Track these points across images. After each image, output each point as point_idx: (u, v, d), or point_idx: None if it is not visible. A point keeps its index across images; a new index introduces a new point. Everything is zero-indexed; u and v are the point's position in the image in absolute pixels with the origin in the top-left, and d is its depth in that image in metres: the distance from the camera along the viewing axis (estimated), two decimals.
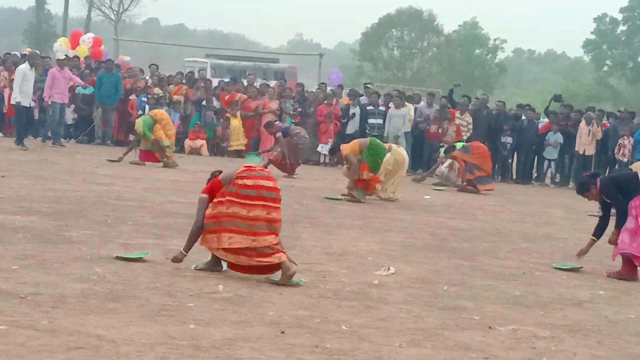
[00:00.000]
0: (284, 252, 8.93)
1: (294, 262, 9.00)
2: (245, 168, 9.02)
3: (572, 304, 9.07)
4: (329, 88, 28.65)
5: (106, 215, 12.19)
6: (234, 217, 8.82)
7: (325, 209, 15.22)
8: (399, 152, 17.51)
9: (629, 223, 10.91)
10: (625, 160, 24.02)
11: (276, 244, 8.92)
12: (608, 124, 25.43)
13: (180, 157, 22.26)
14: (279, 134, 20.43)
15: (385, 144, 17.50)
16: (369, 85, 30.34)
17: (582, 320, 8.32)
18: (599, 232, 11.39)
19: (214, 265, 9.08)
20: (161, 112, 21.05)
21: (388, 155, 16.96)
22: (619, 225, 10.97)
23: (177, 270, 8.94)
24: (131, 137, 22.26)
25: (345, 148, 17.01)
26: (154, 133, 19.88)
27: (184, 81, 26.97)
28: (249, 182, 8.85)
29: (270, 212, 8.91)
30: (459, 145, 21.41)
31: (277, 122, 22.20)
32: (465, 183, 20.91)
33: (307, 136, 21.10)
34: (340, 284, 9.05)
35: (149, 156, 20.24)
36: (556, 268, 11.13)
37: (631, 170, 11.62)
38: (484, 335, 7.43)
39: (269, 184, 8.95)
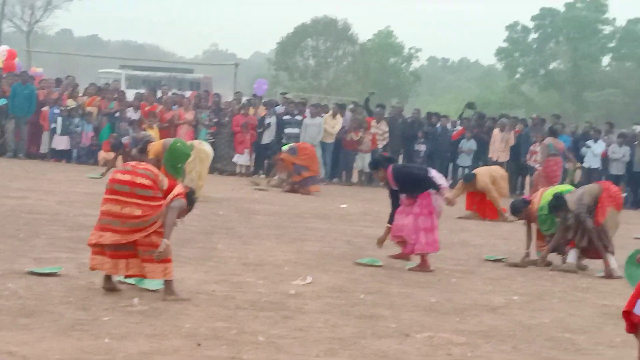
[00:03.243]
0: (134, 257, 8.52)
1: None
2: (125, 164, 8.88)
3: (487, 309, 9.16)
4: (244, 98, 28.58)
5: (18, 229, 11.99)
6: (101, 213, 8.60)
7: (241, 219, 15.18)
8: (202, 149, 17.66)
9: (424, 222, 11.52)
10: (537, 166, 24.34)
11: (124, 243, 8.45)
12: (520, 131, 25.75)
13: (94, 169, 22.00)
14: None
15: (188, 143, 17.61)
16: (287, 96, 30.35)
17: (497, 325, 8.41)
18: (391, 219, 11.87)
19: None
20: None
21: (193, 157, 17.01)
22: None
23: (91, 284, 8.83)
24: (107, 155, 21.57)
25: (151, 150, 16.50)
26: None
27: (96, 92, 26.65)
28: (111, 176, 8.68)
29: (124, 207, 8.41)
30: (284, 148, 21.64)
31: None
32: (293, 184, 21.13)
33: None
34: (257, 294, 9.02)
35: None
36: (487, 259, 11.41)
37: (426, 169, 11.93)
38: (400, 342, 7.47)
39: (125, 177, 8.48)
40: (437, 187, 11.49)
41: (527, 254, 12.54)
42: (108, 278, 8.65)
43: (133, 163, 8.95)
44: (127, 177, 8.49)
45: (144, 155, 16.39)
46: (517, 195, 21.58)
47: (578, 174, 22.32)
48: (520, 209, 12.79)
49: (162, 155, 16.30)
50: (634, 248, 14.04)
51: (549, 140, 20.81)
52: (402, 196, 11.69)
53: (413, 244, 11.45)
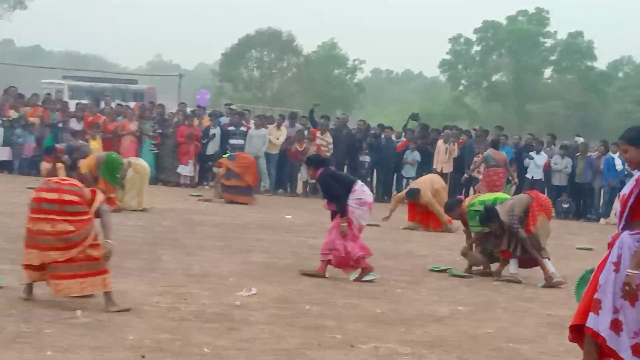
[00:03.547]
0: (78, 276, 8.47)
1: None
2: (47, 180, 8.80)
3: (432, 320, 9.18)
4: (188, 109, 28.47)
5: None
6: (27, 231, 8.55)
7: (186, 230, 15.10)
8: (139, 164, 17.82)
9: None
10: (481, 177, 24.50)
11: (65, 263, 8.42)
12: (464, 142, 25.89)
13: (37, 180, 21.74)
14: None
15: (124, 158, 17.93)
16: (232, 107, 30.28)
17: (443, 336, 8.43)
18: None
19: None
20: None
21: (130, 170, 17.47)
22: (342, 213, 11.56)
23: (33, 296, 8.71)
24: None
25: (83, 165, 16.96)
26: None
27: (39, 103, 26.42)
28: (34, 194, 8.61)
29: (55, 224, 8.36)
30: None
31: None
32: (219, 187, 21.23)
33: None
34: (202, 305, 8.96)
35: None
36: (431, 270, 11.43)
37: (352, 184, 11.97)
38: (346, 353, 7.46)
39: (52, 195, 8.40)
40: (342, 212, 11.46)
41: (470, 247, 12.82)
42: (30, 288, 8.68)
43: (56, 179, 8.86)
44: (54, 196, 8.44)
45: (74, 172, 16.77)
46: None
47: (512, 191, 22.44)
48: (453, 208, 13.17)
49: (96, 168, 16.76)
50: (577, 258, 14.22)
51: (488, 151, 21.00)
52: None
53: (344, 253, 11.44)
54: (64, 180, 8.79)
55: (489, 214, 12.23)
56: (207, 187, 24.33)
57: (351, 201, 11.47)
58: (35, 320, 7.77)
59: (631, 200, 6.35)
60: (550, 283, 11.97)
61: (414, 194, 18.31)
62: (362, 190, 11.64)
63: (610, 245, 6.44)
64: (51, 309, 8.26)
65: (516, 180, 22.31)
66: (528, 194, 12.89)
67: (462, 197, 14.65)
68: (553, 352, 8.02)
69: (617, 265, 6.33)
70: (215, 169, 22.59)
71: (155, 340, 7.36)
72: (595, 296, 6.39)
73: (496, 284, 12.02)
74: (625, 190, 6.40)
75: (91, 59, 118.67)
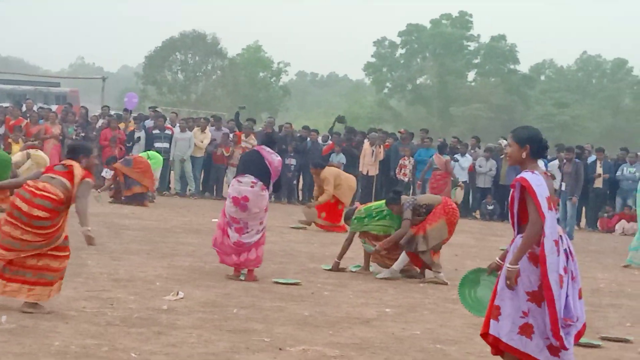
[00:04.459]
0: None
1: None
2: (32, 181, 8.66)
3: (359, 322, 9.20)
4: (112, 112, 28.24)
5: None
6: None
7: (111, 234, 14.96)
8: (38, 156, 17.73)
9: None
10: (406, 180, 24.68)
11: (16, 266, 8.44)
12: (390, 145, 26.03)
13: None
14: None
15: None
16: (157, 110, 30.10)
17: (370, 338, 8.46)
18: None
19: None
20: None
21: (28, 161, 17.47)
22: None
23: None
24: None
25: None
26: None
27: None
28: (12, 197, 8.60)
29: (24, 233, 8.38)
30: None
31: None
32: (123, 198, 21.01)
33: None
34: (128, 310, 8.88)
35: None
36: (275, 282, 11.40)
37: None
38: (274, 356, 7.45)
39: (23, 206, 8.37)
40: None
41: (337, 263, 12.88)
42: None
43: (32, 187, 8.55)
44: (25, 208, 8.39)
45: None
46: None
47: (460, 194, 22.59)
48: (350, 216, 13.28)
49: None
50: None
51: (433, 156, 21.19)
52: None
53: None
54: (39, 189, 8.51)
55: (394, 194, 12.60)
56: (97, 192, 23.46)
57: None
58: None
59: (515, 206, 6.48)
60: (388, 276, 12.37)
61: (319, 165, 18.84)
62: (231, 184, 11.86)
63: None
64: None
65: (460, 182, 22.44)
66: (440, 197, 13.15)
67: (358, 204, 14.89)
68: (479, 353, 8.08)
69: None
70: (105, 172, 22.33)
71: (81, 346, 7.27)
72: (495, 303, 6.48)
73: (422, 285, 12.10)
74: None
75: (12, 61, 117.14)
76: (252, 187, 11.52)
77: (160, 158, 22.57)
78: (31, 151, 18.38)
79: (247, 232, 11.54)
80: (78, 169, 8.68)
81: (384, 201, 13.08)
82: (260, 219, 11.61)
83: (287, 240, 16.24)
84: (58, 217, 8.52)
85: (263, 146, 11.92)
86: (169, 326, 8.30)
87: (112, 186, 21.35)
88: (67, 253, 8.69)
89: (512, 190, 6.55)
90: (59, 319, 8.25)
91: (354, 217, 12.99)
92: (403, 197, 12.71)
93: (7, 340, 7.32)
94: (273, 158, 11.76)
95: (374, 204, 13.52)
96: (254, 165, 11.79)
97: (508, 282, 6.32)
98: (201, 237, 15.48)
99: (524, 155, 6.60)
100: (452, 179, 21.90)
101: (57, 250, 8.55)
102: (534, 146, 6.60)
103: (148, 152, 22.44)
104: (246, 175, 11.67)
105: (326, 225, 18.48)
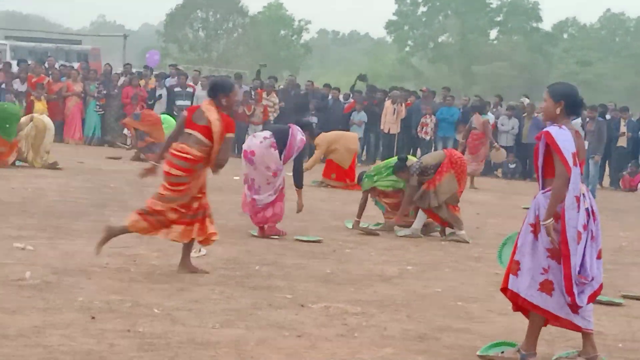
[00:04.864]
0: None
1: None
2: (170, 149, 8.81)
3: (381, 279, 9.23)
4: (134, 70, 28.25)
5: None
6: None
7: (133, 192, 14.99)
8: (40, 120, 17.74)
9: None
10: (428, 138, 24.65)
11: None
12: (411, 103, 25.96)
13: None
14: None
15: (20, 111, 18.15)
16: (179, 67, 30.09)
17: (392, 295, 8.48)
18: None
19: None
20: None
21: (30, 124, 17.39)
22: None
23: None
24: None
25: None
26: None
27: None
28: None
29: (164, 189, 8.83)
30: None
31: None
32: (136, 151, 21.15)
33: None
34: (151, 267, 8.94)
35: None
36: (296, 239, 11.45)
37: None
38: (296, 313, 7.48)
39: (164, 167, 8.77)
40: None
41: (357, 222, 12.78)
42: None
43: (173, 149, 8.73)
44: (166, 168, 8.73)
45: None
46: None
47: (496, 155, 22.10)
48: (403, 168, 13.00)
49: None
50: (523, 218, 14.28)
51: (473, 117, 21.06)
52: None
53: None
54: (177, 151, 8.68)
55: (400, 163, 12.54)
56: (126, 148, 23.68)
57: None
58: None
59: (540, 159, 6.44)
60: (408, 234, 12.46)
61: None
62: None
63: None
64: None
65: (497, 145, 22.03)
66: (443, 151, 13.11)
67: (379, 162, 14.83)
68: (500, 310, 8.09)
69: (534, 226, 6.40)
70: (126, 131, 22.41)
71: (105, 302, 7.33)
72: (514, 258, 6.47)
73: (444, 243, 12.11)
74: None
75: (33, 19, 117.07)
76: (261, 142, 11.52)
77: (174, 122, 22.55)
78: (35, 115, 18.41)
79: (258, 192, 11.53)
80: (216, 125, 8.62)
81: (392, 159, 13.11)
82: (267, 180, 11.53)
83: (309, 197, 16.16)
84: (194, 174, 8.64)
85: (297, 127, 11.82)
86: (191, 283, 8.35)
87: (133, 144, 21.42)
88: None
89: (537, 143, 6.49)
90: (83, 274, 8.31)
91: (364, 175, 13.01)
92: (409, 161, 12.65)
93: (32, 295, 7.38)
94: (298, 135, 11.68)
95: (383, 162, 13.54)
96: (277, 129, 11.88)
97: (549, 237, 6.26)
98: (223, 195, 15.48)
99: (557, 110, 6.50)
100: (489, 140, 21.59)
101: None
102: (568, 102, 6.51)
103: (161, 115, 22.45)
104: (264, 131, 11.77)
105: (339, 186, 18.49)
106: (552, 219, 6.24)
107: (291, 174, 11.88)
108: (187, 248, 8.84)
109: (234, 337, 6.60)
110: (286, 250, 10.57)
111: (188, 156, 8.54)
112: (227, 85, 8.94)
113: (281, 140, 11.52)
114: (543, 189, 6.46)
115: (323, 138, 18.74)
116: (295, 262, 9.81)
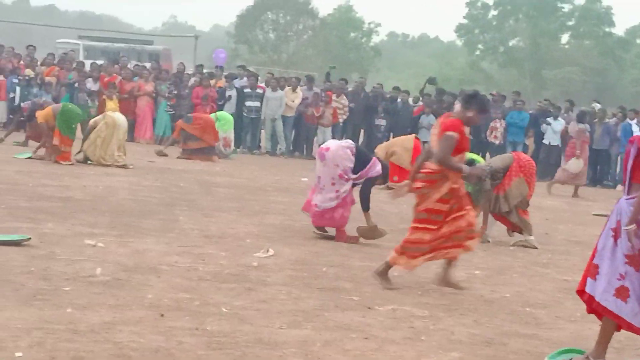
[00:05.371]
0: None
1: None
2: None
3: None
4: (205, 70, 28.44)
5: None
6: None
7: (202, 192, 15.12)
8: (111, 117, 18.11)
9: None
10: (498, 142, 24.48)
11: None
12: None
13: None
14: None
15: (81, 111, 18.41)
16: (249, 69, 30.25)
17: (459, 299, 8.44)
18: None
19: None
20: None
21: (102, 122, 17.82)
22: None
23: (52, 254, 8.77)
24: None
25: (39, 115, 17.58)
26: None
27: (55, 62, 26.44)
28: None
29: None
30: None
31: None
32: (181, 152, 21.20)
33: None
34: (219, 266, 8.99)
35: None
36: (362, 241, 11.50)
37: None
38: (363, 315, 7.48)
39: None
40: None
41: None
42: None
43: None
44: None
45: (33, 121, 18.05)
46: None
47: (573, 164, 21.42)
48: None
49: (53, 119, 17.25)
50: (594, 225, 14.16)
51: (570, 125, 20.76)
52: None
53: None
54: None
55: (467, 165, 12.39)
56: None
57: None
58: (54, 278, 7.81)
59: (630, 163, 6.35)
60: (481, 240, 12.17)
61: None
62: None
63: None
64: (70, 266, 8.30)
65: (578, 151, 21.48)
66: (512, 154, 12.99)
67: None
68: (569, 317, 8.03)
69: (616, 231, 6.32)
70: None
71: (174, 300, 7.39)
72: (593, 262, 6.41)
73: (512, 249, 12.03)
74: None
75: (106, 19, 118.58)
76: (341, 143, 11.64)
77: (230, 119, 22.63)
78: (108, 112, 18.71)
79: (321, 192, 11.51)
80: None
81: None
82: (333, 179, 11.46)
83: (376, 200, 16.12)
84: (436, 184, 8.77)
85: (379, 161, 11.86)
86: (259, 282, 8.39)
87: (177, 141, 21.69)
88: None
89: (630, 145, 6.40)
90: (152, 272, 8.39)
91: None
92: (477, 165, 12.51)
93: (102, 292, 7.47)
94: (377, 167, 11.71)
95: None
96: (363, 150, 12.01)
97: (630, 242, 6.20)
98: (291, 196, 15.56)
99: None
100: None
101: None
102: None
103: (217, 113, 22.57)
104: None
105: None
106: (634, 224, 6.17)
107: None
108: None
109: (300, 337, 6.62)
110: (353, 252, 10.58)
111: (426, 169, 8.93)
112: (482, 104, 9.29)
113: (361, 159, 11.53)
114: (628, 193, 6.35)
115: (380, 146, 18.83)
116: (362, 264, 9.81)
